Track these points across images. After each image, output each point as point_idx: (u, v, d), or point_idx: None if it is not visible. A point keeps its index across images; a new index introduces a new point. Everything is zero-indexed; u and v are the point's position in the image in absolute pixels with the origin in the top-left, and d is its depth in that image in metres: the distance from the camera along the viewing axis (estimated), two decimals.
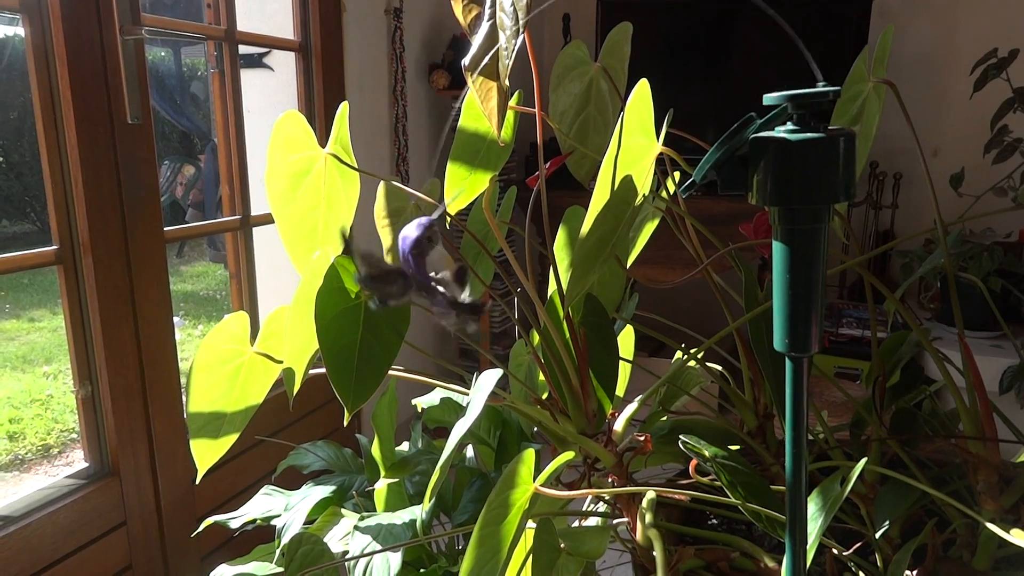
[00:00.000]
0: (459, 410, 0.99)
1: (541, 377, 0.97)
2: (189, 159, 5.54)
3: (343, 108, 0.74)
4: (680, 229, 0.81)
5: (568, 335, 0.65)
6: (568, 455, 0.49)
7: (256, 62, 1.99)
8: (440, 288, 0.42)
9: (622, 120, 0.56)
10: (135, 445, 1.43)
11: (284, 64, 1.96)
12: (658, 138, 0.58)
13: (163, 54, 6.04)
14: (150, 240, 1.44)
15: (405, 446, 1.06)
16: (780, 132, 0.37)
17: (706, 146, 0.65)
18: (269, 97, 2.00)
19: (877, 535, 0.55)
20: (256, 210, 1.77)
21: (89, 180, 1.30)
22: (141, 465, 1.45)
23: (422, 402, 1.08)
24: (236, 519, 0.95)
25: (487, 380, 0.54)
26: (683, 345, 0.71)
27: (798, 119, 0.37)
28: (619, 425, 0.59)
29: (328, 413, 1.96)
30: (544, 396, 0.90)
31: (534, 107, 0.66)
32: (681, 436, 0.55)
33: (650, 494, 0.51)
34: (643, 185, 0.59)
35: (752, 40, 2.52)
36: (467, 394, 0.83)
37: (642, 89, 0.55)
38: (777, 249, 0.39)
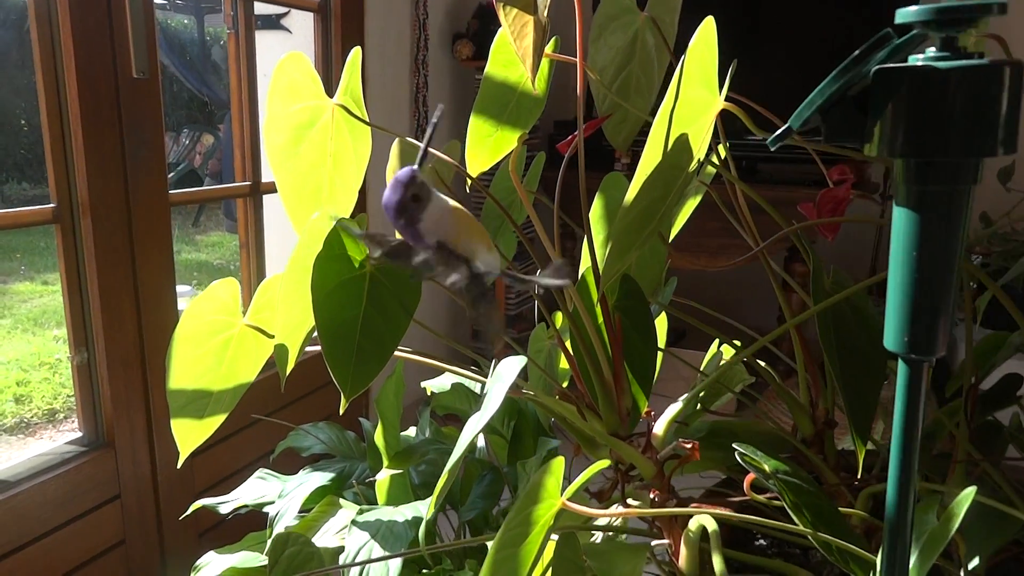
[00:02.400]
0: (471, 397, 0.91)
1: (563, 364, 0.88)
2: (208, 128, 5.47)
3: (355, 53, 0.65)
4: (728, 206, 0.72)
5: (601, 320, 0.56)
6: (602, 463, 0.41)
7: (273, 23, 1.90)
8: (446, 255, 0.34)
9: (681, 67, 0.46)
10: (132, 416, 1.37)
11: (302, 26, 1.87)
12: (720, 92, 0.49)
13: (186, 22, 5.96)
14: (154, 202, 1.36)
15: (411, 431, 0.98)
16: (920, 60, 0.27)
17: (766, 113, 0.56)
18: None
19: (964, 573, 0.46)
20: (267, 177, 1.69)
21: (90, 136, 1.22)
22: (138, 437, 1.38)
23: (431, 386, 1.00)
24: (227, 504, 0.87)
25: (508, 369, 0.46)
26: (734, 341, 0.62)
27: (944, 43, 0.27)
28: (660, 428, 0.50)
29: (333, 392, 1.88)
30: (564, 384, 0.81)
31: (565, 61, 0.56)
32: (736, 446, 0.46)
33: (705, 520, 0.42)
34: (700, 147, 0.50)
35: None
36: (480, 380, 0.75)
37: (707, 30, 0.46)
38: (901, 218, 0.29)
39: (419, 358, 0.66)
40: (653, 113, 0.50)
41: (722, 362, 0.79)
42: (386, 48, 1.99)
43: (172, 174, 5.17)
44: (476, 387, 0.94)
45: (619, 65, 0.69)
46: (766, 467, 0.45)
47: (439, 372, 0.99)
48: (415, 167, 0.34)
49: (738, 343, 0.82)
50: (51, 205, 1.23)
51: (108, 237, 1.28)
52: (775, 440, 0.61)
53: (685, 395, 0.52)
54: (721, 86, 0.49)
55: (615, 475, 0.50)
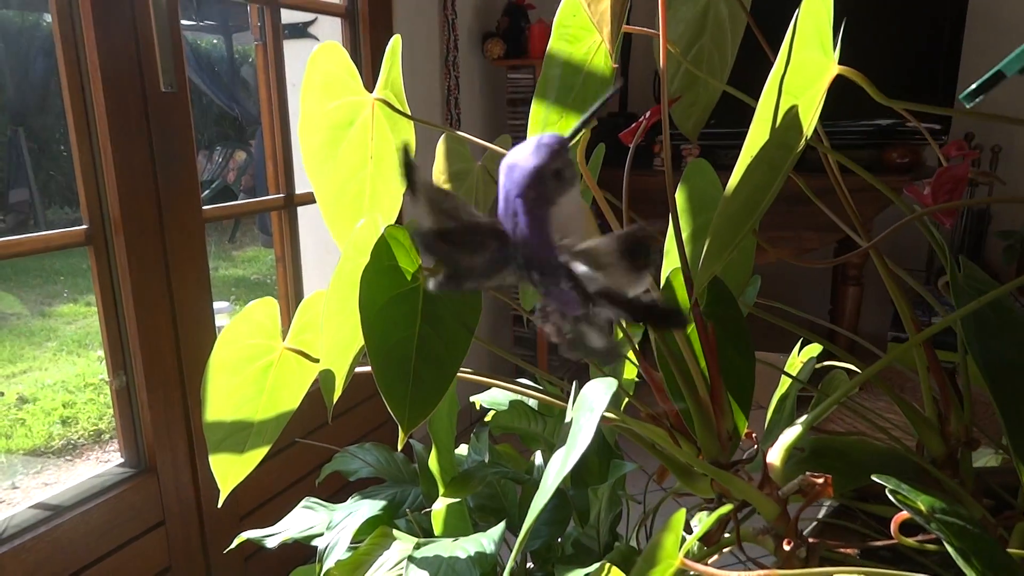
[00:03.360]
0: (531, 416, 0.83)
1: (628, 373, 0.80)
2: (240, 145, 5.50)
3: (395, 42, 0.58)
4: (790, 196, 0.63)
5: (692, 329, 0.48)
6: (724, 509, 0.33)
7: (301, 32, 1.85)
8: (579, 269, 0.24)
9: (795, 25, 0.38)
10: (173, 439, 1.32)
11: (330, 34, 1.82)
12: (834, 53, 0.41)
13: (215, 41, 6.01)
14: (187, 218, 1.32)
15: (463, 449, 0.90)
16: None
17: (862, 81, 0.47)
18: None
19: None
20: (300, 188, 1.64)
21: (120, 153, 1.18)
22: (180, 461, 1.33)
23: (482, 400, 0.93)
24: (273, 537, 0.81)
25: (596, 396, 0.38)
26: (813, 340, 0.53)
27: None
28: (776, 457, 0.42)
29: (375, 407, 1.82)
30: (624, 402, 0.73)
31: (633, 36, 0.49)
32: (878, 479, 0.38)
33: None
34: (810, 122, 0.42)
35: None
36: (536, 396, 0.67)
37: None
38: None
39: (476, 377, 0.59)
40: (760, 93, 0.43)
41: (811, 368, 0.71)
42: (415, 51, 1.93)
43: (207, 192, 5.19)
44: (533, 403, 0.87)
45: (689, 40, 0.61)
46: (921, 505, 0.36)
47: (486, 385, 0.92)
48: (566, 138, 0.25)
49: (818, 347, 0.74)
50: (83, 227, 1.19)
51: (142, 256, 1.23)
52: (897, 461, 0.52)
53: (804, 418, 0.44)
54: (834, 47, 0.41)
55: (729, 515, 0.42)
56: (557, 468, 0.38)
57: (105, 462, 2.72)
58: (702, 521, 0.59)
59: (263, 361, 0.56)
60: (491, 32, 2.12)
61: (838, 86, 0.42)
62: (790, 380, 0.67)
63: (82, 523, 1.19)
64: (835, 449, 0.54)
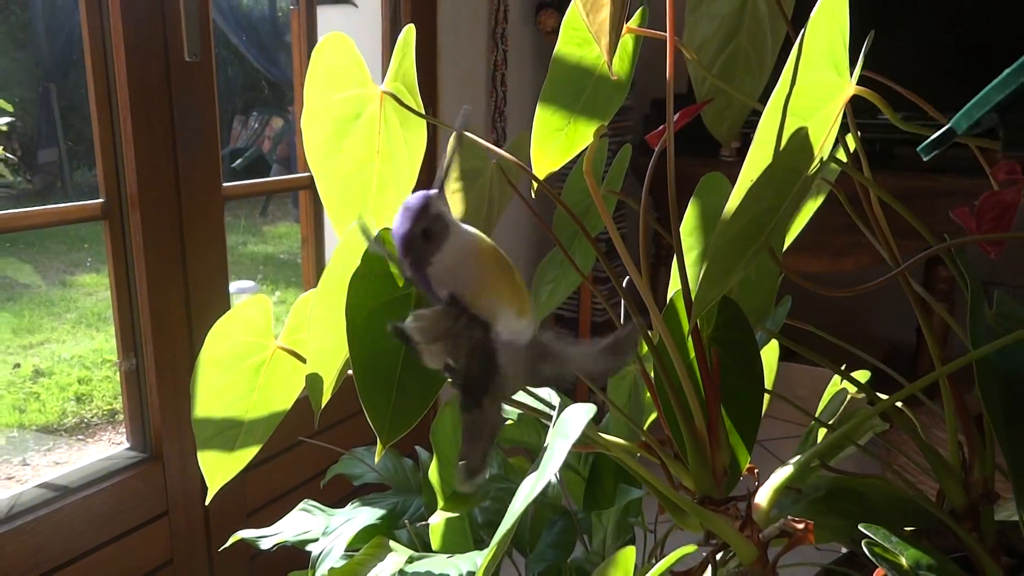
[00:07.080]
0: (541, 430, 0.86)
1: (649, 396, 0.82)
2: (278, 111, 5.64)
3: (407, 32, 0.61)
4: (854, 201, 0.64)
5: (693, 356, 0.50)
6: (684, 550, 0.35)
7: None
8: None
9: (800, 44, 0.40)
10: (181, 427, 1.40)
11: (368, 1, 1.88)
12: (851, 74, 0.42)
13: None
14: (206, 196, 1.39)
15: None
16: None
17: (906, 92, 0.48)
18: (351, 37, 1.92)
19: None
20: None
21: (139, 125, 1.25)
22: (187, 450, 1.41)
23: None
24: (267, 538, 0.87)
25: (574, 420, 0.41)
26: (854, 371, 0.55)
27: None
28: (763, 498, 0.44)
29: None
30: (648, 422, 0.76)
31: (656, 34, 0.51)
32: (863, 528, 0.40)
33: None
34: (823, 144, 0.43)
35: None
36: (542, 410, 0.70)
37: None
38: None
39: None
40: (764, 98, 0.45)
41: (845, 401, 0.72)
42: (461, 21, 1.97)
43: (240, 160, 5.36)
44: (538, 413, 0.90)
45: (723, 38, 0.63)
46: (903, 561, 0.38)
47: None
48: (431, 192, 0.29)
49: (866, 373, 0.75)
50: (100, 200, 1.27)
51: (158, 235, 1.31)
52: (914, 510, 0.53)
53: (798, 457, 0.46)
54: (853, 66, 0.43)
55: (708, 554, 0.45)
56: (525, 493, 0.41)
57: (117, 444, 2.86)
58: None
59: (255, 359, 0.61)
60: (546, 2, 2.15)
61: (910, 76, 0.44)
62: (816, 419, 0.68)
63: (84, 508, 1.28)
64: (853, 491, 0.56)
